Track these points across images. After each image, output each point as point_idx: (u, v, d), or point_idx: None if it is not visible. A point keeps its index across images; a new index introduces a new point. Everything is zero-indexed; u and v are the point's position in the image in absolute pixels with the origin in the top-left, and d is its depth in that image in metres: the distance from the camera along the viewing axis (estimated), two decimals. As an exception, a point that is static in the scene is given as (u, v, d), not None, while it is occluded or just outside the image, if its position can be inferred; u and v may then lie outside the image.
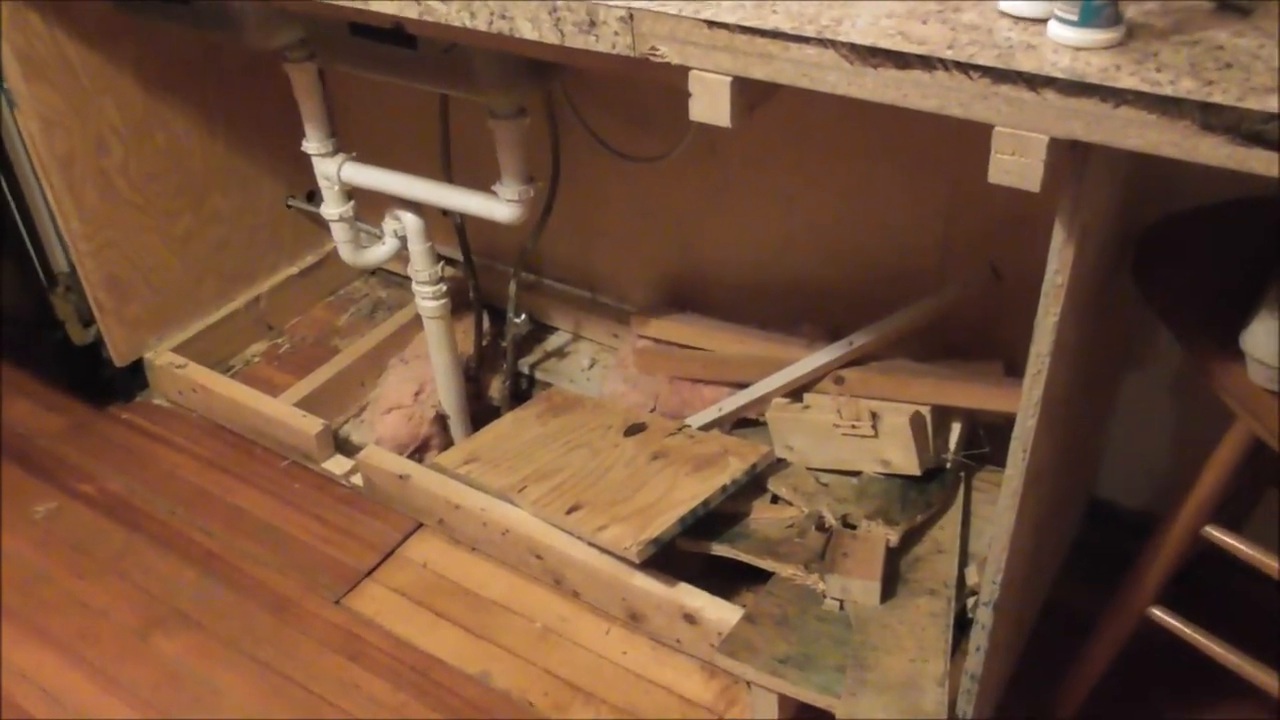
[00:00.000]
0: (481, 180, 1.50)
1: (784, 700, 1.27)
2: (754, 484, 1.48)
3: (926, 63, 0.80)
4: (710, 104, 0.92)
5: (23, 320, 1.89)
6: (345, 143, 1.62)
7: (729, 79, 0.90)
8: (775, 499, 1.48)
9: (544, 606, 1.51)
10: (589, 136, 1.66)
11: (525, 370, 1.93)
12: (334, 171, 1.59)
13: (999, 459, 1.07)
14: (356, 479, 1.71)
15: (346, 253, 1.70)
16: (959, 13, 0.85)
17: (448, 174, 1.74)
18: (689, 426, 1.58)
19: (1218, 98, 0.70)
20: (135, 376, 1.94)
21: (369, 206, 1.68)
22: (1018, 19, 0.83)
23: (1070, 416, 1.10)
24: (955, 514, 1.42)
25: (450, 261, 1.77)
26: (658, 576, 1.39)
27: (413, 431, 1.76)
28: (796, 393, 1.53)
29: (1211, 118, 0.70)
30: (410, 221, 1.60)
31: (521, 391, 1.89)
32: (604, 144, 1.65)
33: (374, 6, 1.10)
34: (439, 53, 1.35)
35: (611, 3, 0.93)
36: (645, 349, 1.71)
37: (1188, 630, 1.14)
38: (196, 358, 1.91)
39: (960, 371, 1.45)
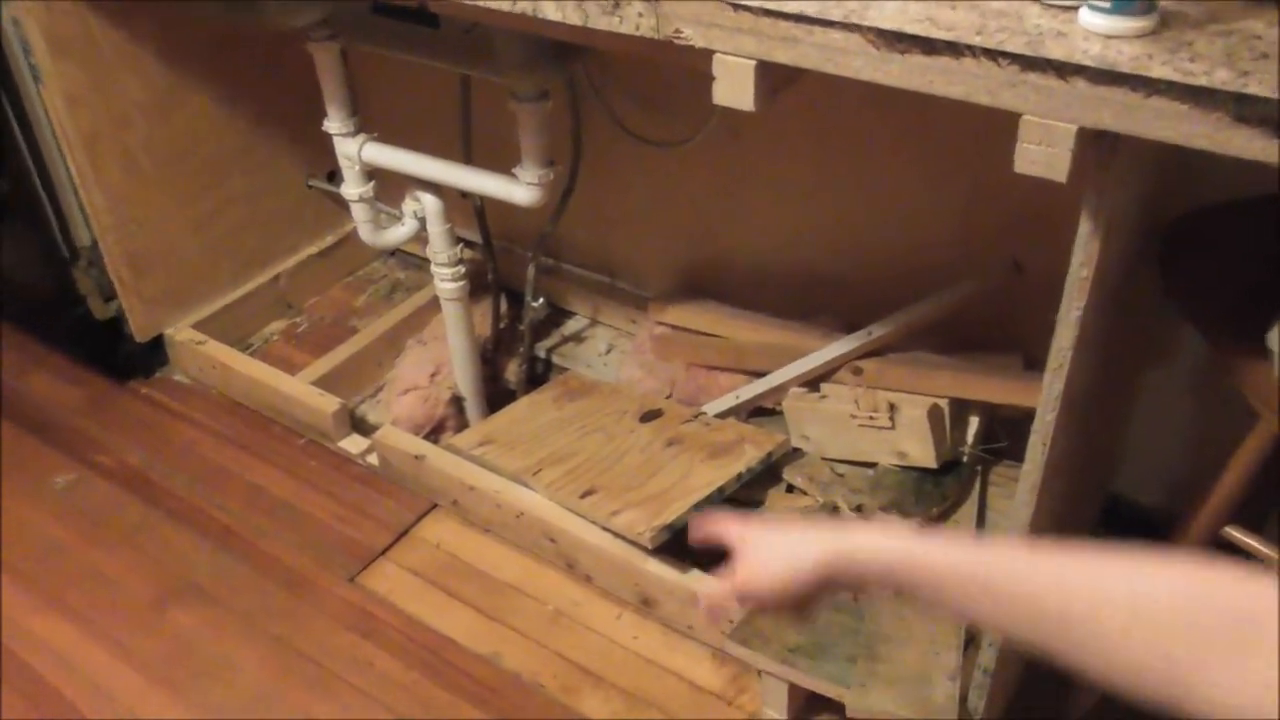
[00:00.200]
0: (502, 163, 1.50)
1: (794, 689, 1.27)
2: (769, 473, 1.48)
3: (954, 49, 0.79)
4: (733, 88, 0.91)
5: (45, 295, 1.90)
6: (366, 123, 1.62)
7: (753, 63, 0.89)
8: (790, 488, 1.48)
9: (556, 589, 1.51)
10: (610, 121, 1.65)
11: (542, 354, 1.93)
12: (355, 151, 1.59)
13: (1016, 453, 1.06)
14: (372, 458, 1.72)
15: (366, 233, 1.70)
16: (988, -1, 0.84)
17: (468, 156, 1.73)
18: (705, 413, 1.58)
19: (1253, 89, 0.69)
20: (155, 352, 1.95)
21: (389, 187, 1.68)
22: (1048, 5, 0.81)
23: (1090, 412, 1.09)
24: (971, 508, 1.42)
25: (469, 244, 1.77)
26: (670, 563, 1.39)
27: (429, 412, 1.76)
28: (814, 382, 1.53)
29: (1246, 110, 0.69)
30: (430, 203, 1.60)
31: (537, 375, 1.89)
32: (625, 128, 1.65)
33: (398, -15, 1.10)
34: (461, 33, 1.35)
35: (636, -16, 0.92)
36: (662, 335, 1.70)
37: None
38: (216, 335, 1.92)
39: (979, 365, 1.44)
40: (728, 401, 1.59)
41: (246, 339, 2.02)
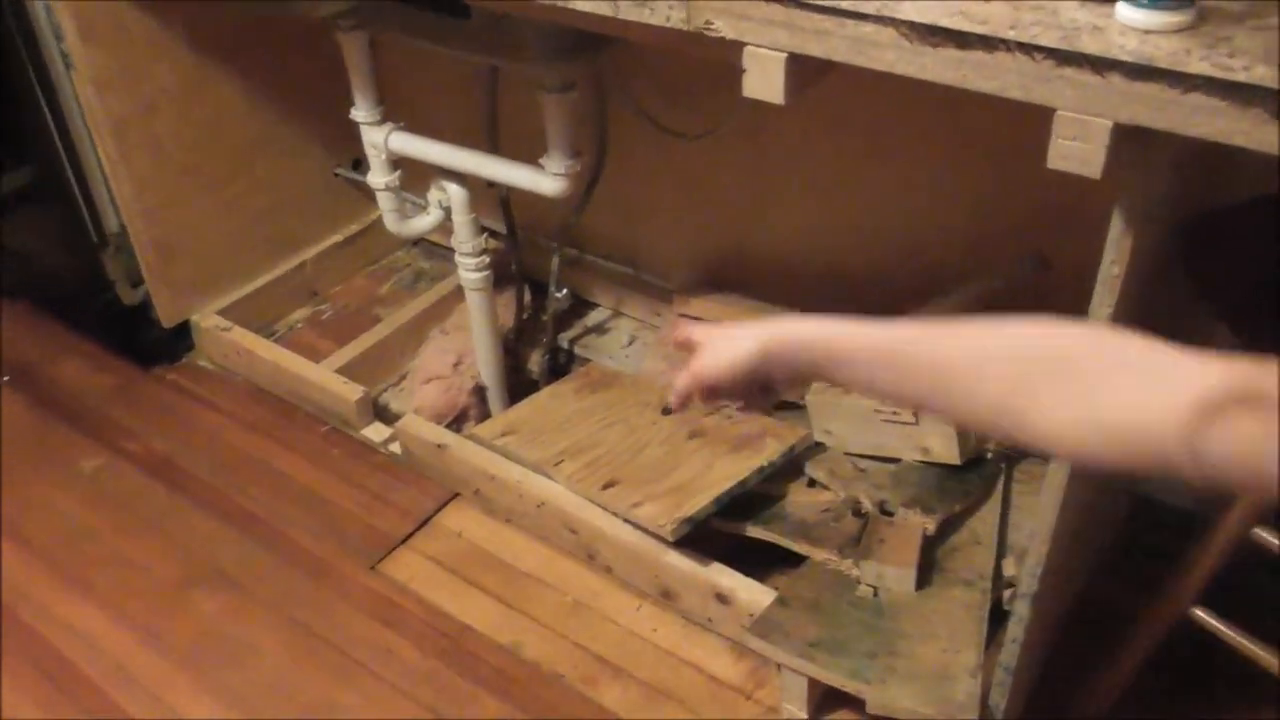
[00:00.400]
0: (527, 153, 1.50)
1: (813, 684, 1.27)
2: (791, 467, 1.47)
3: (987, 43, 0.78)
4: (764, 80, 0.91)
5: (74, 281, 1.92)
6: (393, 112, 1.62)
7: (784, 55, 0.89)
8: (812, 483, 1.48)
9: (576, 580, 1.51)
10: (635, 112, 1.65)
11: (564, 345, 1.93)
12: (381, 140, 1.60)
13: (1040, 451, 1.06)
14: (395, 447, 1.73)
15: (391, 222, 1.70)
16: (1023, -8, 0.83)
17: (494, 146, 1.73)
18: (727, 406, 1.57)
19: (1293, 85, 0.68)
20: (181, 339, 1.96)
21: (414, 177, 1.69)
22: None
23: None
24: (994, 505, 1.41)
25: (493, 234, 1.77)
26: (691, 555, 1.39)
27: (451, 401, 1.77)
28: (837, 377, 1.52)
29: (1285, 106, 0.68)
30: (455, 192, 1.60)
31: (560, 366, 1.90)
32: (651, 119, 1.64)
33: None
34: (490, 24, 1.35)
35: (667, -25, 0.92)
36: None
37: (1230, 632, 1.12)
38: (241, 322, 1.94)
39: (1005, 361, 1.43)
40: (750, 395, 1.58)
41: (271, 326, 2.03)
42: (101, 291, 1.88)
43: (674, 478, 1.44)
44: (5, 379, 1.96)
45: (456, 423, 1.76)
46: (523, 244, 1.88)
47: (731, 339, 0.74)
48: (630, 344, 1.91)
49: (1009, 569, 1.32)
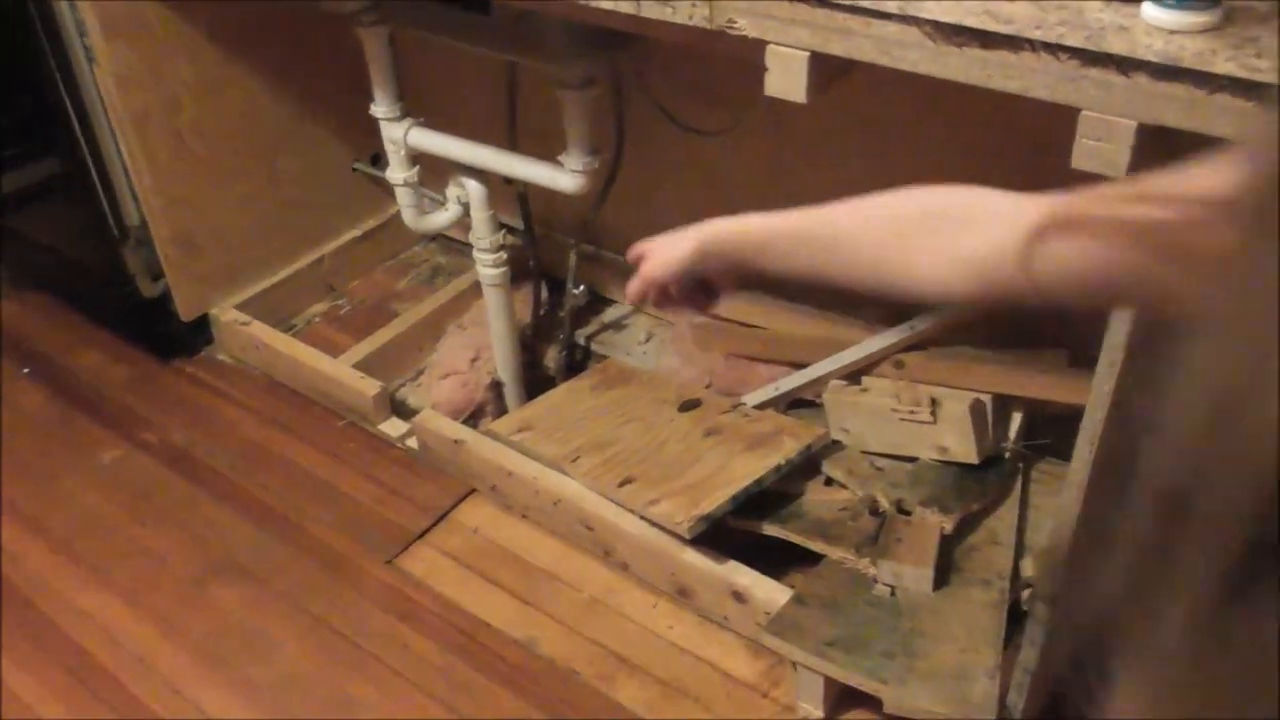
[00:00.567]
0: (546, 150, 1.50)
1: (829, 683, 1.26)
2: (808, 465, 1.47)
3: (1013, 43, 0.78)
4: (786, 79, 0.91)
5: (95, 274, 1.93)
6: (413, 108, 1.63)
7: (806, 54, 0.88)
8: (829, 481, 1.47)
9: (592, 577, 1.52)
10: (653, 109, 1.65)
11: (581, 341, 1.93)
12: (401, 136, 1.60)
13: (1059, 450, 1.05)
14: (412, 442, 1.74)
15: (409, 217, 1.71)
16: (1048, -9, 0.83)
17: (513, 142, 1.74)
18: (744, 404, 1.57)
19: (1321, 87, 0.67)
20: (200, 332, 1.98)
21: (432, 173, 1.69)
22: (1110, -1, 0.80)
23: (1139, 411, 1.07)
24: (1012, 504, 1.40)
25: (510, 230, 1.77)
26: (708, 553, 1.39)
27: (468, 397, 1.77)
28: (855, 375, 1.52)
29: (1313, 108, 0.68)
30: (474, 188, 1.60)
31: (576, 362, 1.90)
32: (669, 116, 1.64)
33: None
34: (510, 20, 1.35)
35: (689, -27, 0.92)
36: (702, 325, 1.70)
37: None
38: (259, 315, 1.95)
39: (1023, 360, 1.42)
40: (767, 393, 1.59)
41: (289, 320, 2.04)
42: (122, 284, 1.89)
43: (690, 475, 1.44)
44: (26, 370, 1.97)
45: (473, 418, 1.77)
46: (540, 240, 1.89)
47: (672, 241, 0.85)
48: (647, 340, 1.91)
49: (1027, 569, 1.32)
